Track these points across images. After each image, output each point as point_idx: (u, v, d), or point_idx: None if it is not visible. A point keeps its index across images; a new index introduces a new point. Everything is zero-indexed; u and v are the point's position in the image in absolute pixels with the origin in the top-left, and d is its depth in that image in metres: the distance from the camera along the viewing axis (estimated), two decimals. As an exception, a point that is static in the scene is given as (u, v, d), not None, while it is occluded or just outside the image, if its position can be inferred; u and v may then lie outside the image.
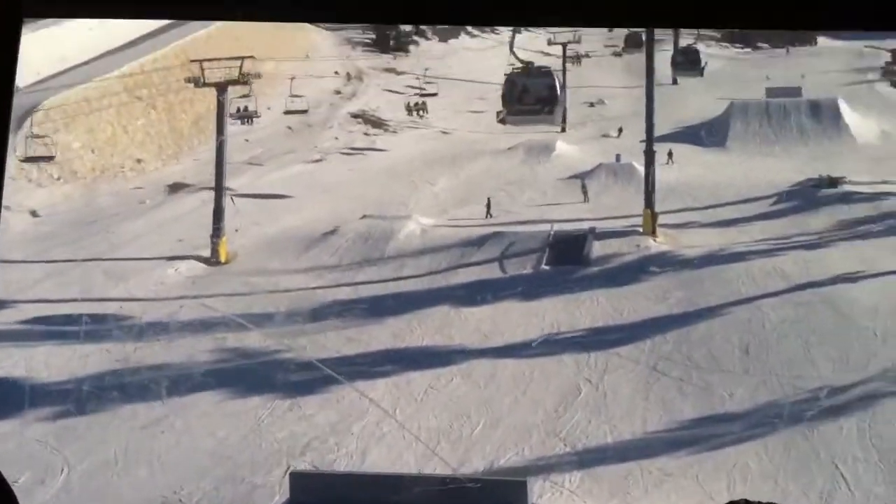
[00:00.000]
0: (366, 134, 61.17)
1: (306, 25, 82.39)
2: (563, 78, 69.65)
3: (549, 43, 72.32)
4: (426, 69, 70.97)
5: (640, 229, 38.30)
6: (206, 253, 37.79)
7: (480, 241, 38.05)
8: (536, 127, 68.49)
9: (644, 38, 42.59)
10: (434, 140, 62.34)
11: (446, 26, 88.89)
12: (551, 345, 28.76)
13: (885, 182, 46.67)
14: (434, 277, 35.26)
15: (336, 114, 64.55)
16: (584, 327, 29.98)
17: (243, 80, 41.14)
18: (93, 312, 31.94)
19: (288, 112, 59.35)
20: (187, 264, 37.13)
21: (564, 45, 69.19)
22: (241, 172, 51.62)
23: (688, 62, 41.04)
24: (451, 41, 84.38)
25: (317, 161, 54.39)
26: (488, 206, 43.85)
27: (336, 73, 73.79)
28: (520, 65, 26.88)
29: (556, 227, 39.53)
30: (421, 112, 67.03)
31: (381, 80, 73.78)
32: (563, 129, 67.98)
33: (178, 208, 44.65)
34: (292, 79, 62.10)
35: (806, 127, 62.13)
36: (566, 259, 36.01)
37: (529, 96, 27.27)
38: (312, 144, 57.44)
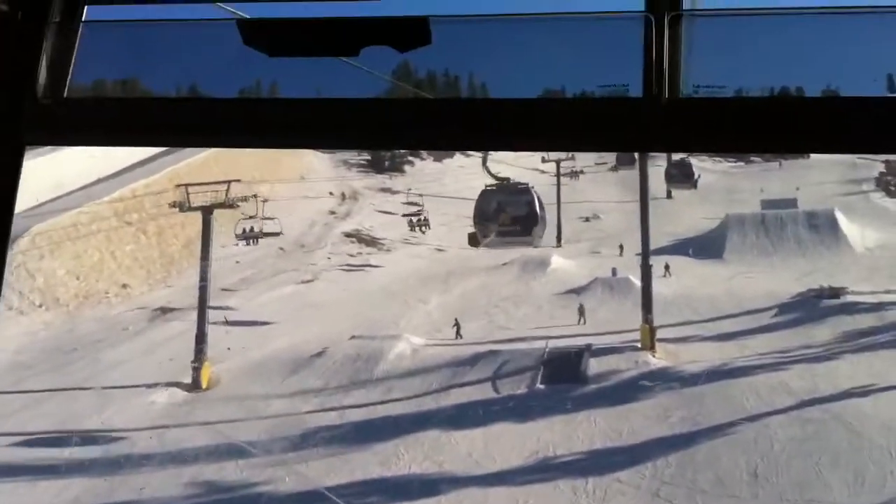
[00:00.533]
0: (359, 253, 60.01)
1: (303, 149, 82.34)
2: (558, 193, 69.20)
3: (543, 160, 71.89)
4: (409, 189, 70.37)
5: (639, 345, 36.63)
6: (188, 379, 36.06)
7: (473, 361, 36.34)
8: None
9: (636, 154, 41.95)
10: (428, 258, 61.14)
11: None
12: (546, 469, 26.78)
13: (887, 291, 45.20)
14: (423, 399, 33.42)
15: (330, 234, 63.50)
16: (581, 450, 28.02)
17: (229, 203, 40.08)
18: (65, 444, 30.12)
19: (265, 234, 57.46)
20: (168, 392, 35.33)
21: (558, 163, 68.63)
22: (231, 294, 50.25)
23: (681, 175, 40.21)
24: (446, 160, 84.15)
25: (308, 282, 53.03)
26: (457, 327, 42.09)
27: (331, 193, 73.19)
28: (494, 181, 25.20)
29: (552, 343, 37.88)
30: (423, 228, 66.08)
31: (377, 199, 73.11)
32: (559, 244, 67.13)
33: (164, 333, 43.05)
34: (264, 201, 60.94)
35: (803, 238, 60.96)
36: (562, 377, 34.26)
37: (506, 215, 25.62)
38: (305, 265, 56.16)
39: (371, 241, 63.38)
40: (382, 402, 33.44)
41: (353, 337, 40.37)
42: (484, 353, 36.81)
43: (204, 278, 38.53)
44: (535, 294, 50.62)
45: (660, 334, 38.00)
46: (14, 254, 43.05)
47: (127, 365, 37.54)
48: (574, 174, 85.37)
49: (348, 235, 63.50)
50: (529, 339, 39.95)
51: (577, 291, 49.48)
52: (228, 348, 38.33)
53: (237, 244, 59.47)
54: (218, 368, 37.44)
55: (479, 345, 39.31)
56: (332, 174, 76.72)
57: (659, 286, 46.66)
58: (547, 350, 36.45)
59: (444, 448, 28.79)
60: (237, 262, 56.03)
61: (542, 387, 33.65)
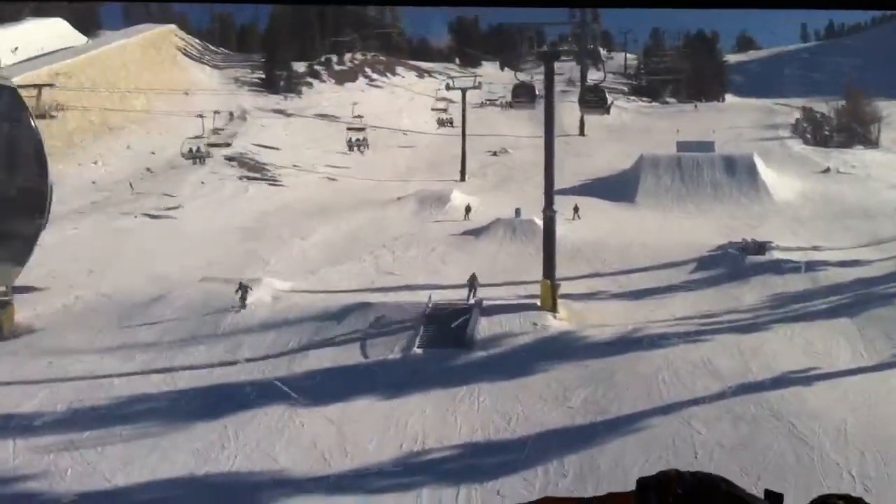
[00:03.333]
0: (239, 178, 52.15)
1: (187, 61, 73.44)
2: (464, 124, 61.99)
3: (448, 88, 64.59)
4: (354, 103, 62.48)
5: (538, 302, 30.05)
6: (-14, 324, 28.37)
7: (343, 314, 29.32)
8: (433, 174, 60.74)
9: (536, 91, 36.02)
10: (317, 187, 53.68)
11: (344, 67, 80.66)
12: (410, 470, 20.06)
13: (815, 248, 39.49)
14: (274, 362, 26.34)
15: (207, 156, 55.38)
16: (456, 442, 21.35)
17: (40, 113, 31.92)
18: None
19: (211, 145, 51.89)
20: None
21: (464, 91, 61.41)
22: (78, 218, 42.17)
23: (596, 99, 33.75)
24: (348, 84, 76.18)
25: (172, 209, 45.13)
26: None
27: (217, 111, 64.74)
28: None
29: (438, 296, 31.09)
30: (362, 148, 59.69)
31: (267, 121, 64.90)
32: (463, 178, 60.30)
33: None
34: (216, 112, 53.62)
35: (721, 183, 55.12)
36: (445, 339, 27.49)
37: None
38: (171, 190, 48.14)
39: (255, 167, 55.55)
40: (222, 365, 26.27)
41: (203, 279, 32.97)
42: (356, 304, 29.80)
43: None
44: (429, 234, 43.72)
45: (564, 287, 31.49)
46: None
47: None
48: (484, 104, 78.39)
49: (230, 159, 55.48)
50: (414, 289, 33.10)
51: (476, 233, 42.76)
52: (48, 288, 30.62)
53: (96, 162, 51.20)
54: (31, 313, 29.81)
55: (353, 293, 32.30)
56: (221, 91, 68.14)
57: (566, 230, 40.18)
58: (430, 305, 29.59)
59: (284, 433, 21.82)
60: (93, 182, 47.86)
61: (419, 351, 26.82)
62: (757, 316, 29.33)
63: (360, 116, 61.99)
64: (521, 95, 36.01)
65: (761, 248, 37.56)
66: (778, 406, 21.49)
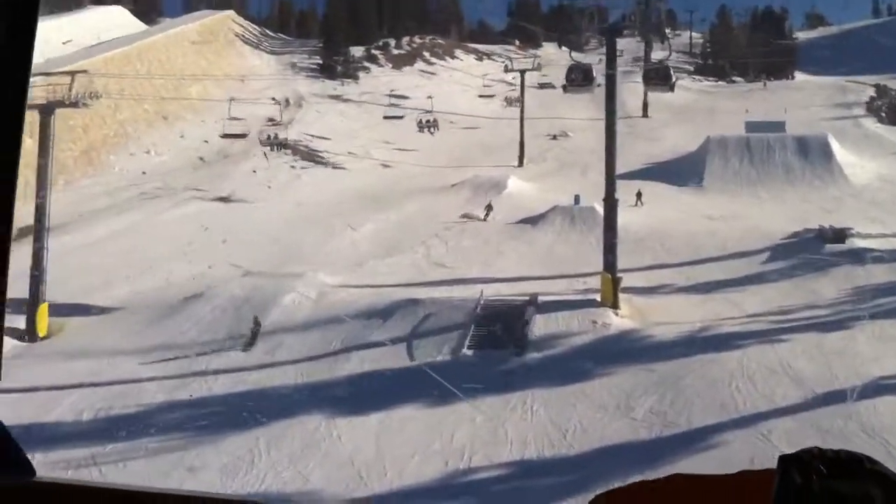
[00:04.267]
0: (292, 167, 50.42)
1: (245, 48, 72.05)
2: (522, 107, 59.42)
3: (507, 70, 62.02)
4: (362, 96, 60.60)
5: (598, 297, 27.64)
6: (22, 324, 26.92)
7: (389, 311, 27.25)
8: (490, 160, 58.38)
9: (593, 73, 33.47)
10: (370, 175, 51.70)
11: (401, 51, 78.56)
12: (454, 493, 17.94)
13: (898, 235, 36.29)
14: (314, 365, 24.39)
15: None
16: (507, 459, 19.17)
17: (72, 101, 30.25)
18: None
19: (225, 136, 50.07)
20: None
21: (523, 73, 58.85)
22: (125, 209, 40.80)
23: (660, 76, 31.33)
24: (405, 68, 74.04)
25: (222, 199, 43.52)
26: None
27: (273, 99, 63.15)
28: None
29: (492, 291, 28.86)
30: (432, 129, 58.37)
31: (324, 107, 63.09)
32: (521, 164, 57.81)
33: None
34: (231, 100, 51.76)
35: (793, 165, 51.78)
36: (497, 340, 25.25)
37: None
38: (223, 178, 46.56)
39: (309, 154, 53.76)
40: (259, 368, 24.41)
41: (246, 274, 31.19)
42: (404, 301, 27.69)
43: (42, 196, 28.92)
44: (484, 223, 41.43)
45: (626, 280, 29.01)
46: None
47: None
48: (543, 87, 75.61)
49: (283, 146, 53.77)
50: (466, 283, 30.88)
51: (533, 221, 40.32)
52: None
53: (148, 151, 49.92)
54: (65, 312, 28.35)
55: (401, 288, 30.18)
56: (277, 78, 66.53)
57: (628, 217, 37.43)
58: (481, 302, 27.36)
59: (321, 447, 19.86)
60: (143, 172, 46.51)
61: (469, 353, 24.66)
62: (839, 312, 26.51)
63: (430, 97, 60.42)
64: (576, 77, 33.41)
65: (840, 235, 34.49)
66: (869, 419, 18.87)
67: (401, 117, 57.36)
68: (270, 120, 59.16)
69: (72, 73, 29.60)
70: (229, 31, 72.30)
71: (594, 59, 39.31)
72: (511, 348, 24.68)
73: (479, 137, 63.26)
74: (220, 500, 1.65)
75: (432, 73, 72.61)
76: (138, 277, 31.21)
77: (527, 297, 27.60)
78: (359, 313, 27.35)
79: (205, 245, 35.69)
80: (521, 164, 57.18)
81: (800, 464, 1.10)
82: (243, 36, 74.04)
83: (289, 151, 52.46)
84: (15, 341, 26.39)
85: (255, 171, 48.32)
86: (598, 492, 1.27)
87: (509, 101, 61.06)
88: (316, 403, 21.94)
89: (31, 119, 29.55)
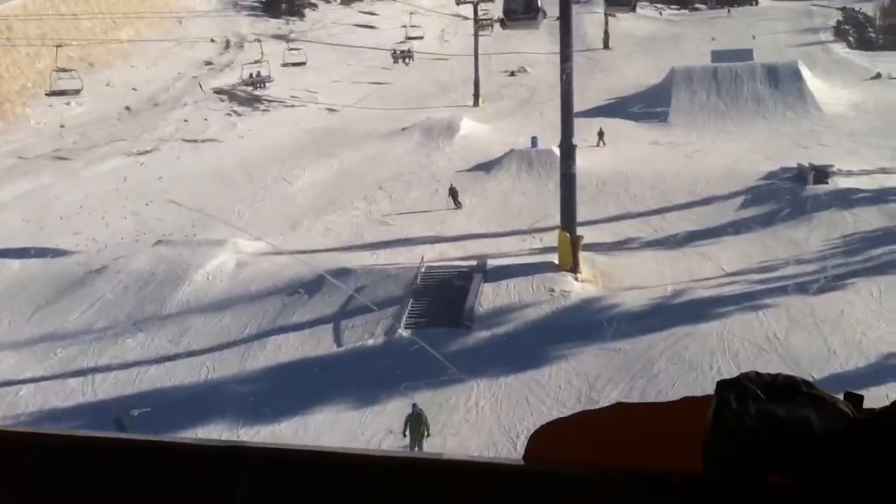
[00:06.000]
0: (227, 115, 45.54)
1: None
2: (476, 42, 54.69)
3: (458, 2, 57.08)
4: (307, 36, 55.48)
5: (556, 260, 23.57)
6: None
7: (316, 284, 23.02)
8: (446, 100, 53.81)
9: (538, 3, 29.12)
10: (315, 120, 46.99)
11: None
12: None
13: (883, 171, 32.42)
14: (224, 356, 20.26)
15: (196, 90, 48.69)
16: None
17: None
18: None
19: (285, 65, 48.18)
20: None
21: (475, 5, 54.02)
22: (33, 169, 35.97)
23: None
24: (355, 4, 68.65)
25: (145, 153, 38.70)
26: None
27: (212, 40, 57.90)
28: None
29: (434, 255, 24.72)
30: (407, 60, 55.47)
31: (267, 48, 57.83)
32: (476, 104, 53.24)
33: None
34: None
35: (763, 96, 47.68)
36: (438, 317, 21.19)
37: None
38: (149, 130, 41.65)
39: (248, 100, 48.83)
40: (158, 361, 20.22)
41: (158, 241, 26.78)
42: (334, 271, 23.44)
43: None
44: (433, 170, 37.09)
45: (588, 234, 24.99)
46: None
47: None
48: (502, 21, 70.49)
49: (220, 92, 48.78)
50: (409, 243, 26.71)
51: (487, 168, 36.10)
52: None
53: (68, 103, 44.70)
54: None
55: (333, 253, 25.94)
56: (216, 17, 61.03)
57: (589, 159, 33.43)
58: (422, 270, 23.19)
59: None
60: (62, 126, 41.49)
61: (405, 333, 20.58)
62: (828, 267, 22.61)
63: (404, 26, 56.59)
64: (516, 7, 28.88)
65: (821, 174, 30.56)
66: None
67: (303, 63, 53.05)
68: (207, 63, 54.03)
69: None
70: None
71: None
72: (455, 326, 20.63)
73: (431, 76, 58.51)
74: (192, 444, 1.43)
75: (374, 14, 67.23)
76: (37, 248, 26.73)
77: (474, 262, 23.46)
78: (281, 288, 23.16)
79: (119, 208, 31.13)
80: (476, 103, 52.59)
81: (737, 388, 1.06)
82: (180, -27, 68.18)
83: (224, 98, 47.48)
84: None
85: (186, 121, 43.44)
86: None
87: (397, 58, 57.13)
88: (217, 408, 17.84)
89: None
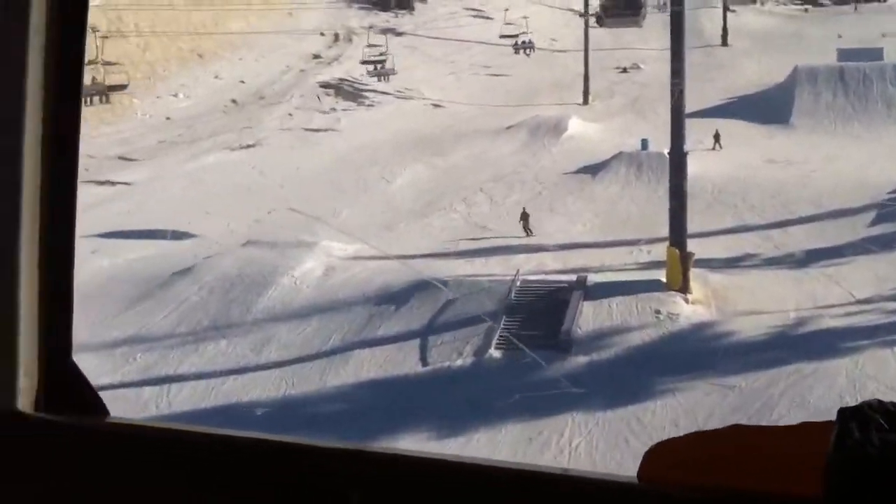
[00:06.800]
0: (333, 109, 44.55)
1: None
2: (586, 35, 52.29)
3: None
4: (417, 30, 54.13)
5: (664, 278, 21.40)
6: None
7: (405, 295, 21.49)
8: (557, 97, 51.75)
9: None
10: (420, 116, 45.60)
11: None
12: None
13: None
14: (305, 369, 18.94)
15: (303, 84, 47.91)
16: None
17: None
18: None
19: (364, 62, 48.65)
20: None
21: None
22: (135, 162, 35.62)
23: None
24: (465, -3, 66.94)
25: (247, 147, 37.98)
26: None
27: (322, 33, 57.17)
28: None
29: (533, 265, 22.86)
30: (528, 51, 54.86)
31: (376, 41, 56.84)
32: (586, 101, 50.94)
33: None
34: (370, 27, 52.20)
35: (895, 98, 44.08)
36: (532, 337, 19.33)
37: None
38: (253, 124, 40.98)
39: (354, 94, 47.79)
40: (238, 372, 19.02)
41: (247, 242, 25.69)
42: (424, 282, 21.84)
43: None
44: (537, 171, 35.19)
45: (702, 247, 22.77)
46: None
47: None
48: (598, 17, 67.69)
49: (326, 86, 47.88)
50: (506, 252, 24.93)
51: (594, 170, 33.98)
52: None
53: (176, 94, 44.57)
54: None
55: (426, 260, 24.35)
56: (327, 10, 60.30)
57: (704, 164, 31.11)
58: (517, 284, 21.37)
59: None
60: (168, 118, 41.20)
61: (496, 354, 18.86)
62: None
63: (525, 17, 54.96)
64: (615, 5, 26.55)
65: (966, 189, 27.42)
66: None
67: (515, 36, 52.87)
68: (315, 56, 53.30)
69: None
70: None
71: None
72: (550, 349, 18.75)
73: (542, 73, 56.40)
74: (312, 447, 1.47)
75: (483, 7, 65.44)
76: (128, 245, 26.02)
77: (573, 278, 21.48)
78: (369, 297, 21.70)
79: (213, 205, 30.28)
80: (585, 101, 50.28)
81: (859, 416, 1.05)
82: (294, -34, 67.94)
83: (330, 91, 46.59)
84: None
85: (290, 115, 42.66)
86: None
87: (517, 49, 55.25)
88: (292, 430, 16.41)
89: None
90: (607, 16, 26.41)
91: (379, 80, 48.44)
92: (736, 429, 1.15)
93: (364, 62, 48.89)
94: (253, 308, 21.70)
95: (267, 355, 19.69)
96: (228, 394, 18.15)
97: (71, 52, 1.64)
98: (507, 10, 57.04)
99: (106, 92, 40.42)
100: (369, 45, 49.18)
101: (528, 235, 26.91)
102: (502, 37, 54.86)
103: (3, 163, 1.62)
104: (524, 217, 27.96)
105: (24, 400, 1.64)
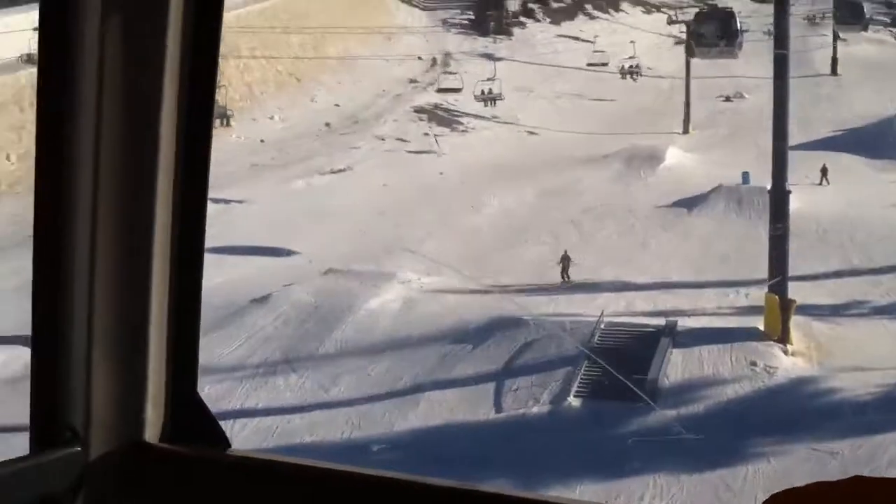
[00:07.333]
0: (426, 135, 43.89)
1: (396, 3, 66.01)
2: (688, 64, 50.38)
3: (670, 21, 53.14)
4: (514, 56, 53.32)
5: (762, 326, 19.71)
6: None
7: (482, 333, 20.37)
8: (655, 126, 50.05)
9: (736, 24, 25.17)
10: (512, 144, 44.53)
11: (561, 4, 70.29)
12: None
13: None
14: (370, 411, 17.98)
15: (397, 108, 47.46)
16: None
17: None
18: None
19: (440, 90, 47.84)
20: None
21: (688, 24, 49.87)
22: (224, 185, 35.50)
23: (850, 15, 23.12)
24: (565, 23, 65.80)
25: (339, 171, 37.57)
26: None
27: (419, 58, 56.82)
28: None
29: (620, 305, 21.47)
30: (635, 76, 52.85)
31: (471, 66, 56.12)
32: (686, 130, 49.06)
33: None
34: (595, 39, 52.22)
35: None
36: (615, 386, 17.90)
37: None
38: (346, 147, 40.62)
39: (447, 120, 47.05)
40: (302, 410, 18.19)
41: (328, 271, 24.99)
42: (504, 320, 20.69)
43: None
44: (630, 203, 33.68)
45: (804, 292, 21.00)
46: None
47: None
48: (688, 46, 65.48)
49: (420, 111, 47.31)
50: (592, 290, 23.59)
51: (690, 204, 32.30)
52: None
53: (272, 117, 44.55)
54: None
55: (508, 296, 23.17)
56: (425, 34, 59.98)
57: (810, 200, 29.24)
58: (601, 326, 20.00)
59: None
60: (261, 141, 41.15)
61: (575, 403, 17.55)
62: None
63: (633, 42, 53.10)
64: (707, 33, 24.88)
65: None
66: None
67: (605, 64, 51.51)
68: (412, 81, 52.87)
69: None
70: (379, -14, 66.45)
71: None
72: (634, 400, 17.31)
73: (642, 99, 54.74)
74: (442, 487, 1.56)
75: (582, 32, 64.10)
76: (207, 270, 25.61)
77: (662, 322, 19.99)
78: (445, 333, 20.66)
79: (299, 230, 29.78)
80: (685, 130, 48.43)
81: None
82: (394, -9, 68.07)
83: (423, 116, 45.97)
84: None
85: (383, 140, 42.15)
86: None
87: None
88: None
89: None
90: (699, 45, 24.68)
91: (486, 106, 47.29)
92: (858, 480, 1.10)
93: (441, 90, 48.16)
94: (326, 341, 20.89)
95: (336, 393, 18.82)
96: (292, 433, 17.32)
97: (203, 76, 1.66)
98: (596, 36, 55.68)
99: (226, 114, 40.69)
100: (445, 73, 48.58)
101: (564, 282, 25.24)
102: (590, 65, 53.17)
103: (139, 188, 1.63)
104: (564, 261, 25.86)
105: (151, 431, 1.67)
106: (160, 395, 1.67)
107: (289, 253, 27.88)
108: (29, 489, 1.58)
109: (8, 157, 32.72)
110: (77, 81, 1.60)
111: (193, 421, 1.68)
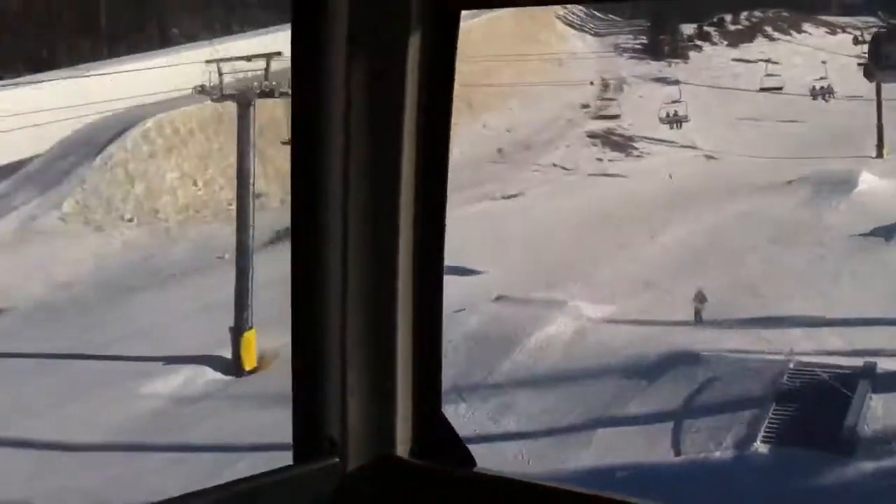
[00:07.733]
0: (599, 160, 42.84)
1: (568, 30, 65.29)
2: (878, 85, 46.96)
3: (856, 42, 49.95)
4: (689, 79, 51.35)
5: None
6: (228, 353, 22.16)
7: (657, 369, 19.16)
8: (841, 150, 46.91)
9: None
10: (689, 169, 42.75)
11: (739, 27, 67.43)
12: None
13: None
14: (539, 446, 17.16)
15: (570, 133, 46.64)
16: None
17: (268, 89, 24.02)
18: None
19: (763, 90, 49.00)
20: (194, 371, 21.71)
21: (869, 44, 46.52)
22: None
23: None
24: (743, 45, 63.05)
25: (510, 197, 37.09)
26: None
27: (591, 83, 55.88)
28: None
29: (810, 345, 19.74)
30: (828, 96, 51.14)
31: (646, 91, 54.60)
32: (880, 154, 45.73)
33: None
34: (767, 61, 52.62)
35: None
36: (808, 432, 16.35)
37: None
38: (519, 173, 40.13)
39: (622, 145, 45.83)
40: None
41: (498, 298, 24.43)
42: (682, 355, 19.45)
43: (244, 196, 23.53)
44: (821, 231, 31.44)
45: None
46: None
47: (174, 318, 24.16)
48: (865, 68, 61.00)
49: (593, 136, 46.30)
50: (778, 324, 21.88)
51: (887, 233, 29.79)
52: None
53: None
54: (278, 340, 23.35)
55: (685, 328, 21.87)
56: (597, 60, 58.95)
57: None
58: (790, 366, 18.38)
59: None
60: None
61: (763, 449, 16.09)
62: None
63: (824, 62, 51.38)
64: (892, 53, 22.35)
65: None
66: None
67: (779, 88, 49.63)
68: (584, 106, 51.96)
69: (266, 57, 23.45)
70: (551, 12, 65.90)
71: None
72: (829, 450, 15.70)
73: (829, 122, 51.54)
74: None
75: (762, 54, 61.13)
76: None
77: (860, 362, 18.17)
78: (618, 367, 19.58)
79: (471, 256, 29.37)
80: (879, 154, 45.17)
81: None
82: (566, 17, 67.34)
83: (597, 141, 44.95)
84: (217, 374, 21.77)
85: (554, 165, 41.42)
86: None
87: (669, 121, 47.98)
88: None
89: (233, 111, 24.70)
90: (879, 67, 22.15)
91: (671, 128, 46.14)
92: None
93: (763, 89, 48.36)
94: (496, 371, 20.28)
95: (505, 425, 18.14)
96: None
97: (439, 93, 1.72)
98: (768, 60, 53.05)
99: None
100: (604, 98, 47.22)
101: (696, 322, 23.21)
102: (762, 89, 50.62)
103: (384, 211, 1.70)
104: (699, 300, 23.61)
105: (401, 446, 1.73)
106: (408, 411, 1.72)
107: (460, 279, 27.51)
108: (292, 497, 1.65)
109: (195, 183, 34.01)
110: (326, 105, 1.67)
111: (438, 437, 1.74)
